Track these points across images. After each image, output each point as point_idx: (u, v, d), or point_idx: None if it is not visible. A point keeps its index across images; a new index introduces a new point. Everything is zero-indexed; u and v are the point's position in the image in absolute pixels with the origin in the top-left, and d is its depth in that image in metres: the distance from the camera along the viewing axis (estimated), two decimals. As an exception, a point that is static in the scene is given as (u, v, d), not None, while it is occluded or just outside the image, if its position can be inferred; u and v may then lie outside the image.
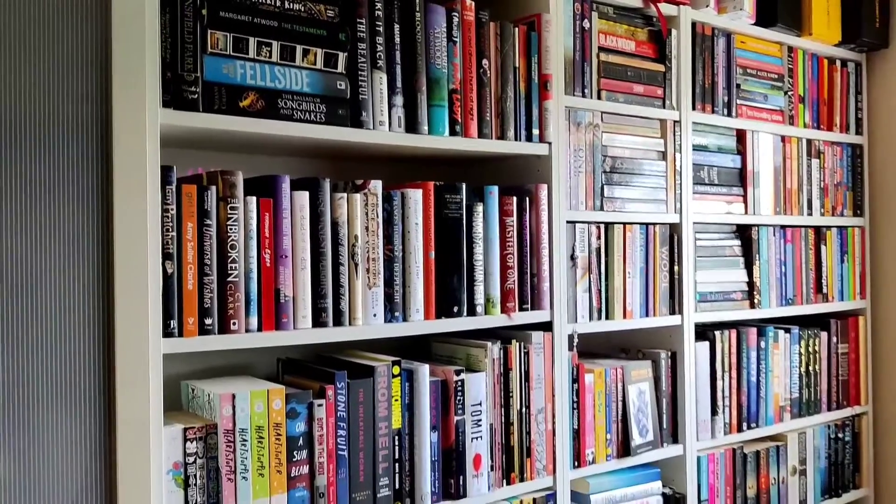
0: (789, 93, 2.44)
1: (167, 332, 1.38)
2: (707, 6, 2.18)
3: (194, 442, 1.43)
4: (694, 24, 2.17)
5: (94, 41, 1.33)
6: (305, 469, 1.54)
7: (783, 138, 2.42)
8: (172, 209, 1.39)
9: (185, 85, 1.39)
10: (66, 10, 1.31)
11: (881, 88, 2.69)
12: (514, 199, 1.81)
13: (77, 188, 1.32)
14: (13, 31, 1.26)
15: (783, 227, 2.43)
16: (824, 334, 2.55)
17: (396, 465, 1.65)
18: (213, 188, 1.44)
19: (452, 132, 1.72)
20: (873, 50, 2.67)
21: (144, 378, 1.34)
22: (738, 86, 2.29)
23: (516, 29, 1.82)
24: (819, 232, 2.54)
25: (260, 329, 1.50)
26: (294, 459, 1.52)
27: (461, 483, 1.73)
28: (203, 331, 1.43)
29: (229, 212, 1.46)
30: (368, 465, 1.61)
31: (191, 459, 1.42)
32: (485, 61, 1.77)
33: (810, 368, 2.49)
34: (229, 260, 1.45)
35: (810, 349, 2.50)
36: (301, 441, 1.53)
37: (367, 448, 1.61)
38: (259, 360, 1.78)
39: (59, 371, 1.30)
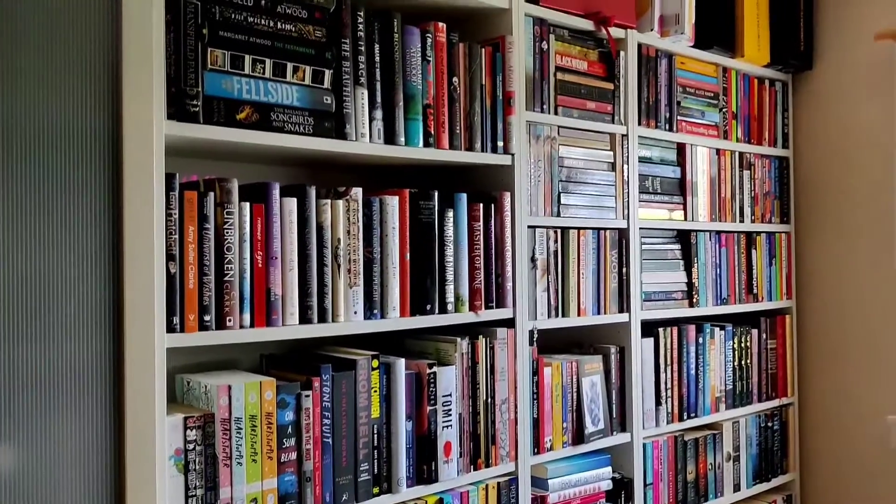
0: (724, 110, 2.66)
1: (170, 328, 1.49)
2: (651, 30, 2.38)
3: (194, 430, 1.54)
4: (640, 46, 2.36)
5: (104, 58, 1.43)
6: (294, 455, 1.66)
7: (718, 151, 2.64)
8: (175, 214, 1.50)
9: (187, 99, 1.50)
10: (79, 31, 1.41)
11: (805, 106, 2.93)
12: (481, 205, 1.97)
13: (89, 193, 1.42)
14: (33, 49, 1.36)
15: (718, 232, 2.64)
16: (755, 331, 2.77)
17: (375, 451, 1.78)
18: (212, 194, 1.56)
19: (426, 143, 1.86)
20: (799, 71, 2.91)
21: (150, 370, 1.45)
22: (678, 103, 2.49)
23: (483, 50, 1.97)
24: (750, 237, 2.76)
25: (252, 325, 1.61)
26: (283, 446, 1.64)
27: (433, 468, 1.87)
28: (202, 327, 1.54)
29: (226, 216, 1.57)
30: (350, 452, 1.74)
31: (191, 446, 1.53)
32: (455, 79, 1.92)
33: (743, 362, 2.71)
34: (225, 261, 1.57)
35: (743, 345, 2.71)
36: (290, 429, 1.65)
37: (350, 436, 1.74)
38: (243, 356, 1.89)
39: (73, 364, 1.39)
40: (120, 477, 1.44)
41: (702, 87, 2.58)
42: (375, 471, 1.78)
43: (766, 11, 2.74)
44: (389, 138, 1.80)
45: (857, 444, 2.81)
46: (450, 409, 1.90)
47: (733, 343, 2.68)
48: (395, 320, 1.81)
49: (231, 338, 1.57)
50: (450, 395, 1.90)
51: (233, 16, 1.56)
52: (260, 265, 1.62)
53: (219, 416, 1.56)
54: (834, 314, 2.87)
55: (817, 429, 2.92)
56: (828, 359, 2.88)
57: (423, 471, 1.86)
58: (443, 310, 1.90)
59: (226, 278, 1.57)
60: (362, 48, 1.75)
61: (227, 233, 1.57)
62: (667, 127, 2.45)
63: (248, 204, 1.60)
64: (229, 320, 1.57)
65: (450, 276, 1.91)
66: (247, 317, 1.60)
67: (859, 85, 2.79)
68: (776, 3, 2.76)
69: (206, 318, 1.54)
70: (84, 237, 1.41)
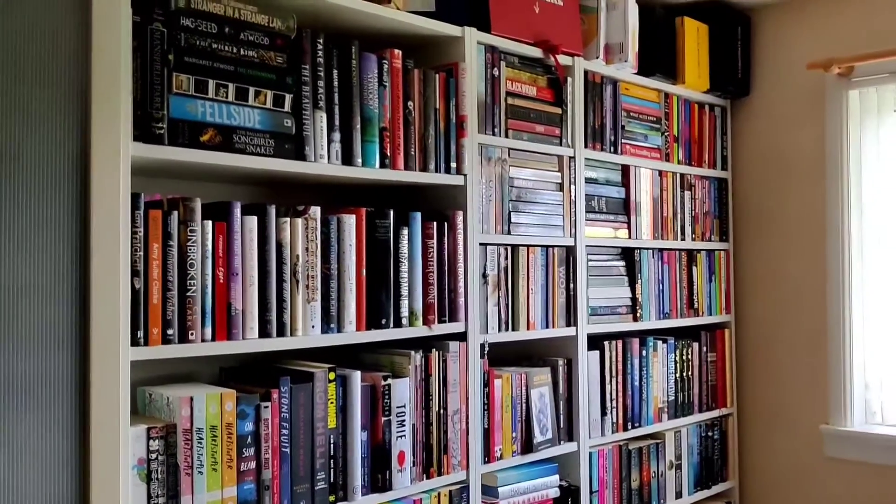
0: (665, 133, 2.79)
1: (135, 342, 1.54)
2: (597, 58, 2.50)
3: (156, 440, 1.59)
4: (586, 73, 2.48)
5: (74, 82, 1.49)
6: (253, 464, 1.72)
7: (660, 173, 2.77)
8: (140, 231, 1.56)
9: (153, 121, 1.56)
10: (49, 55, 1.47)
11: (743, 130, 3.09)
12: (435, 224, 2.05)
13: (57, 211, 1.47)
14: (4, 72, 1.42)
15: (661, 250, 2.76)
16: (696, 344, 2.90)
17: (332, 461, 1.85)
18: (175, 213, 1.62)
19: (383, 164, 1.95)
20: (736, 97, 3.06)
21: (115, 382, 1.50)
22: (622, 127, 2.62)
23: (437, 76, 2.07)
24: (691, 254, 2.90)
25: (214, 339, 1.67)
26: (243, 456, 1.70)
27: (387, 477, 1.94)
28: (165, 340, 1.59)
29: (189, 234, 1.63)
30: (308, 461, 1.80)
31: (153, 456, 1.58)
32: (410, 103, 2.01)
33: (684, 374, 2.83)
34: (188, 277, 1.63)
35: (684, 357, 2.84)
36: (249, 439, 1.71)
37: (307, 446, 1.80)
38: (203, 369, 1.94)
39: (40, 375, 1.44)
40: (84, 486, 1.49)
41: (645, 112, 2.71)
42: (332, 479, 1.84)
43: (705, 40, 2.88)
44: (347, 159, 1.88)
45: (792, 452, 2.95)
46: (403, 420, 1.97)
47: (675, 356, 2.80)
48: (351, 334, 1.89)
49: (193, 351, 1.63)
50: (404, 406, 1.97)
51: (197, 42, 1.63)
52: (221, 281, 1.68)
53: (181, 427, 1.61)
54: (770, 328, 3.01)
55: (755, 438, 3.06)
56: (765, 370, 3.03)
57: (378, 479, 1.93)
58: (397, 324, 1.98)
59: (188, 293, 1.63)
60: (321, 73, 1.83)
61: (190, 250, 1.63)
62: (612, 149, 2.57)
63: (210, 222, 1.66)
64: (192, 334, 1.63)
65: (404, 291, 1.99)
66: (208, 331, 1.66)
67: (793, 111, 2.95)
68: (715, 33, 2.91)
69: (170, 331, 1.60)
70: (52, 253, 1.46)
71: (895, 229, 2.75)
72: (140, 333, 1.55)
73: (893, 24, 2.71)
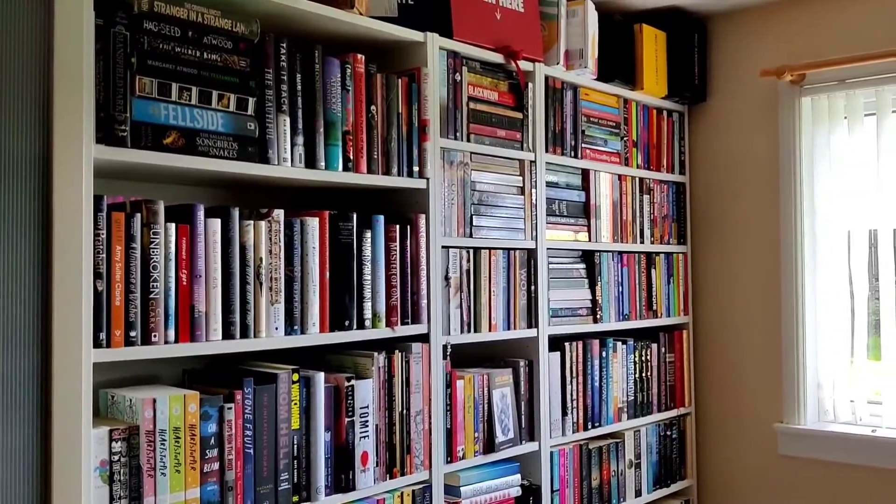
0: (625, 138, 2.85)
1: (97, 343, 1.55)
2: (557, 63, 2.54)
3: (119, 442, 1.59)
4: (547, 79, 2.53)
5: (36, 85, 1.49)
6: (216, 465, 1.73)
7: (620, 177, 2.82)
8: (103, 234, 1.56)
9: (116, 124, 1.57)
10: (12, 57, 1.47)
11: (700, 135, 3.16)
12: (398, 226, 2.08)
13: (20, 213, 1.47)
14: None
15: (620, 252, 2.81)
16: (655, 345, 2.95)
17: (295, 461, 1.86)
18: (138, 215, 1.62)
19: (346, 168, 1.97)
20: (694, 103, 3.13)
21: (77, 384, 1.50)
22: (583, 132, 2.66)
23: (399, 80, 2.10)
24: (650, 257, 2.95)
25: (177, 341, 1.68)
26: (206, 457, 1.71)
27: (351, 477, 1.96)
28: (128, 342, 1.60)
29: (152, 236, 1.64)
30: (271, 462, 1.82)
31: (116, 458, 1.58)
32: (373, 107, 2.03)
33: (643, 375, 2.89)
34: (151, 279, 1.64)
35: (643, 358, 2.89)
36: (212, 440, 1.72)
37: (270, 446, 1.81)
38: (166, 371, 1.94)
39: (1, 378, 1.44)
40: (46, 488, 1.48)
41: (604, 117, 2.76)
42: (295, 480, 1.86)
43: (663, 47, 2.95)
44: (310, 163, 1.90)
45: (748, 451, 3.02)
46: (367, 421, 1.99)
47: (634, 356, 2.85)
48: (314, 336, 1.90)
49: (156, 353, 1.64)
50: (367, 407, 1.99)
51: (161, 45, 1.64)
52: (184, 283, 1.69)
53: (143, 429, 1.62)
54: (727, 329, 3.08)
55: (713, 437, 3.12)
56: (722, 371, 3.09)
57: (342, 480, 1.95)
58: (361, 326, 2.00)
59: (151, 295, 1.63)
60: (285, 77, 1.85)
61: (154, 252, 1.64)
62: (572, 154, 2.62)
63: (173, 224, 1.67)
64: (154, 336, 1.64)
65: (367, 293, 2.01)
66: (171, 332, 1.67)
67: (748, 117, 3.03)
68: (673, 40, 2.98)
69: (132, 333, 1.60)
70: (14, 255, 1.46)
71: (846, 232, 2.83)
72: (102, 335, 1.55)
73: (845, 33, 2.79)
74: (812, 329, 2.88)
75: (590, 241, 2.68)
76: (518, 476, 2.39)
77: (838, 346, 2.84)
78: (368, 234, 2.02)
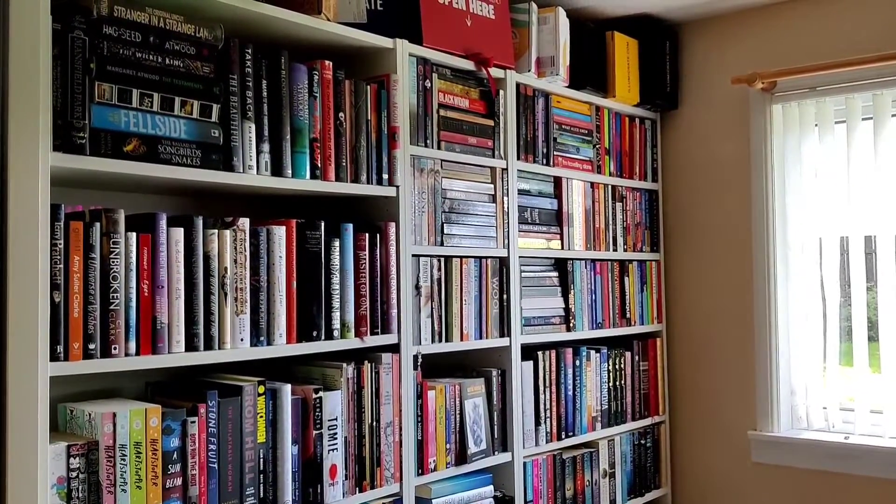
0: (597, 146, 2.84)
1: (54, 357, 1.50)
2: (529, 71, 2.53)
3: (77, 458, 1.54)
4: (518, 86, 2.51)
5: (-11, 89, 1.45)
6: (179, 481, 1.68)
7: (592, 185, 2.81)
8: (60, 243, 1.52)
9: (74, 131, 1.53)
10: (-36, 60, 1.43)
11: (672, 142, 3.16)
12: (367, 235, 2.05)
13: (-29, 224, 1.42)
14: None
15: (593, 260, 2.80)
16: (628, 353, 2.94)
17: (261, 475, 1.82)
18: (98, 224, 1.58)
19: (313, 176, 1.93)
20: (666, 110, 3.13)
21: (33, 398, 1.46)
22: (554, 139, 2.65)
23: (368, 87, 2.07)
24: (623, 265, 2.94)
25: (138, 353, 1.64)
26: (169, 472, 1.67)
27: (319, 491, 1.92)
28: (87, 355, 1.55)
29: (112, 246, 1.60)
30: (236, 476, 1.77)
31: (74, 474, 1.54)
32: (341, 114, 2.00)
33: (617, 383, 2.87)
34: (111, 290, 1.59)
35: (617, 367, 2.88)
36: (175, 455, 1.68)
37: (235, 460, 1.77)
38: (127, 385, 1.89)
39: (-49, 394, 1.39)
40: (0, 507, 1.44)
41: (576, 125, 2.75)
42: (262, 494, 1.82)
43: (635, 55, 2.94)
44: (277, 170, 1.87)
45: (722, 459, 3.01)
46: (335, 433, 1.96)
47: (608, 365, 2.84)
48: (281, 347, 1.87)
49: (117, 366, 1.59)
50: (335, 419, 1.96)
51: (121, 51, 1.60)
52: (146, 294, 1.65)
53: (103, 444, 1.57)
54: (700, 336, 3.08)
55: (687, 445, 3.11)
56: (695, 378, 3.09)
57: (309, 494, 1.91)
58: (329, 336, 1.96)
59: (111, 307, 1.59)
60: (250, 84, 1.81)
61: (114, 262, 1.60)
62: (544, 161, 2.60)
63: (134, 234, 1.63)
64: (115, 348, 1.59)
65: (336, 303, 1.98)
66: (133, 345, 1.62)
67: (719, 124, 3.03)
68: (645, 47, 2.97)
69: (91, 346, 1.56)
70: (-35, 267, 1.41)
71: (817, 239, 2.83)
72: (60, 348, 1.51)
73: (816, 41, 2.80)
74: (784, 336, 2.88)
75: (562, 248, 2.66)
76: (491, 487, 2.36)
77: (811, 353, 2.84)
78: (337, 243, 1.99)
